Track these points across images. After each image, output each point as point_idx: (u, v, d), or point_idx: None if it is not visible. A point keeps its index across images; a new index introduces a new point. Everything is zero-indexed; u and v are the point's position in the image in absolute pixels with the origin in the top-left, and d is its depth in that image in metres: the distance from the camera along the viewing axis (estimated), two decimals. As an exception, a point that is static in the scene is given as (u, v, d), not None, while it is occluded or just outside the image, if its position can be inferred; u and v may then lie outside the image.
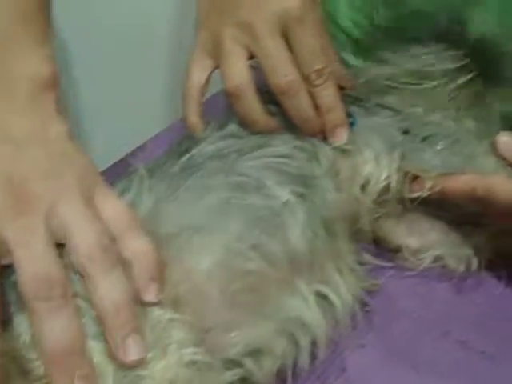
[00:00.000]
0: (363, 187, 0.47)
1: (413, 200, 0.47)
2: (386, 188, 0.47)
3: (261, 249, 0.40)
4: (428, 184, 0.46)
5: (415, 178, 0.47)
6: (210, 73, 0.48)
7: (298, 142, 0.46)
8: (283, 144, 0.46)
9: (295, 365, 0.42)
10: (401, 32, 0.59)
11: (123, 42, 0.84)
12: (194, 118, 0.48)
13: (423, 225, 0.51)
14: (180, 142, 0.48)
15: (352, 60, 0.67)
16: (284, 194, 0.42)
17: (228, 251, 0.39)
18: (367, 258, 0.50)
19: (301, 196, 0.43)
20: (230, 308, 0.39)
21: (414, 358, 0.47)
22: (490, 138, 0.48)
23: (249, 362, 0.39)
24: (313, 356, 0.44)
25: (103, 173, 0.43)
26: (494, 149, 0.47)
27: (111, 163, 0.60)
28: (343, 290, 0.44)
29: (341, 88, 0.49)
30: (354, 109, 0.49)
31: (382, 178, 0.46)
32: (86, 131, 0.93)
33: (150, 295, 0.35)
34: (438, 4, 0.57)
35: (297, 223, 0.41)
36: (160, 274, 0.36)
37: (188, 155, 0.44)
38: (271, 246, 0.40)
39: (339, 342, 0.46)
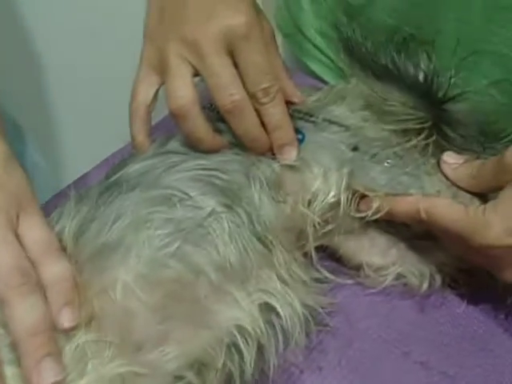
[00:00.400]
0: (309, 202, 0.46)
1: (362, 218, 0.47)
2: (335, 205, 0.46)
3: (183, 259, 0.39)
4: (375, 204, 0.45)
5: (363, 196, 0.46)
6: (157, 89, 0.48)
7: (238, 157, 0.45)
8: (217, 157, 0.45)
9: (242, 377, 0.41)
10: (363, 44, 0.59)
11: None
12: (141, 137, 0.47)
13: (384, 241, 0.50)
14: (117, 163, 0.47)
15: (318, 70, 0.67)
16: (209, 204, 0.42)
17: (147, 264, 0.38)
18: (326, 275, 0.49)
19: (228, 207, 0.42)
20: (160, 321, 0.38)
21: (374, 379, 0.46)
22: (436, 156, 0.47)
23: (191, 375, 0.39)
24: (265, 375, 0.43)
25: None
26: (439, 168, 0.46)
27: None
28: (289, 300, 0.43)
29: (290, 103, 0.49)
30: (302, 124, 0.49)
31: (331, 194, 0.45)
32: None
33: (64, 321, 0.35)
34: (402, 17, 0.56)
35: (223, 233, 0.41)
36: (75, 299, 0.36)
37: (118, 174, 0.44)
38: (195, 255, 0.40)
39: (296, 364, 0.45)
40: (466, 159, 0.46)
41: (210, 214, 0.41)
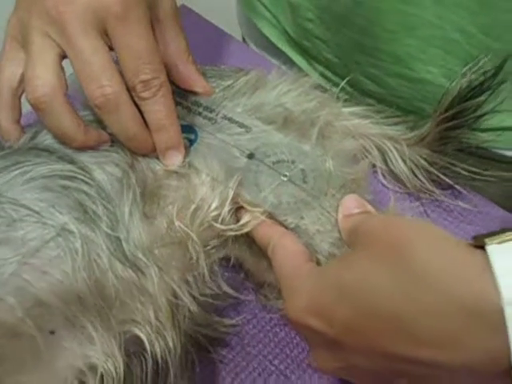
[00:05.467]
0: (193, 214, 0.39)
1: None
2: (217, 218, 0.39)
3: (19, 288, 0.33)
4: (243, 220, 0.38)
5: (240, 208, 0.40)
6: None
7: (116, 157, 0.39)
8: (88, 157, 0.38)
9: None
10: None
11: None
12: (7, 124, 0.40)
13: None
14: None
15: (265, 29, 0.61)
16: (60, 221, 0.35)
17: None
18: (226, 290, 0.43)
19: (84, 224, 0.35)
20: None
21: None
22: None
23: None
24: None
25: None
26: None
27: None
28: (163, 332, 0.37)
29: (193, 92, 0.42)
30: (199, 121, 0.42)
31: (213, 206, 0.38)
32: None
33: None
34: None
35: (75, 256, 0.34)
36: None
37: None
38: (35, 283, 0.33)
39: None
40: (364, 210, 0.37)
41: (59, 234, 0.34)
